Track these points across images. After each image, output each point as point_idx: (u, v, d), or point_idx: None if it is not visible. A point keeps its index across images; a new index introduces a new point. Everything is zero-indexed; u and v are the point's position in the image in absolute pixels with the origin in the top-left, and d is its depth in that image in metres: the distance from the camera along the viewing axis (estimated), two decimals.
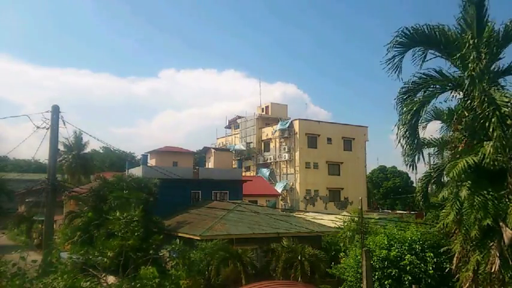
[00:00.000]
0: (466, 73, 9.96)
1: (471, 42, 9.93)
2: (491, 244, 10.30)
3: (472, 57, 9.83)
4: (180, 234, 21.42)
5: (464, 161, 9.95)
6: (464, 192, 10.09)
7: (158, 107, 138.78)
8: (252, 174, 50.08)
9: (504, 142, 9.37)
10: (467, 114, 10.69)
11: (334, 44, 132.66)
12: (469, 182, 10.16)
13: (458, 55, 10.29)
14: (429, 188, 13.26)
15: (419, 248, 16.24)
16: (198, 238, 20.16)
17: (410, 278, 15.49)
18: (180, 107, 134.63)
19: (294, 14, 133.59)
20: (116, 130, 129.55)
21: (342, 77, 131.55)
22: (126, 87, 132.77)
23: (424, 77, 11.19)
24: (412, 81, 11.21)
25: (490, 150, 9.48)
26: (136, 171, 29.87)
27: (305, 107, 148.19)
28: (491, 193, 9.94)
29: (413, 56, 11.22)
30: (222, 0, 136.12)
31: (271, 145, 52.21)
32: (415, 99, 11.10)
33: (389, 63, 11.01)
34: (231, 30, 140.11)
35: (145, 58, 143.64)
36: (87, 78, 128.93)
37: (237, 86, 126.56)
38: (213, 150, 39.34)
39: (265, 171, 50.90)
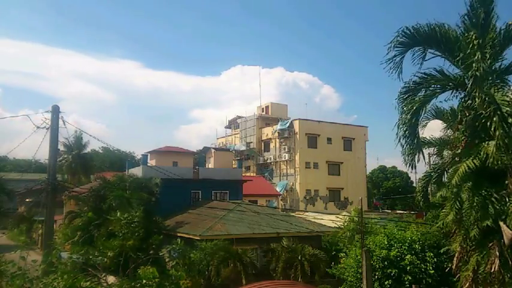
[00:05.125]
0: (470, 73, 9.85)
1: (475, 42, 9.85)
2: (491, 244, 10.29)
3: (476, 57, 9.74)
4: (180, 234, 21.39)
5: (465, 164, 9.93)
6: (467, 194, 10.07)
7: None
8: (252, 174, 50.06)
9: (506, 141, 9.38)
10: (467, 114, 10.68)
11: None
12: (470, 183, 10.15)
13: (461, 55, 10.18)
14: (429, 188, 13.24)
15: (420, 248, 16.23)
16: (198, 238, 20.15)
17: (410, 278, 15.49)
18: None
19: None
20: None
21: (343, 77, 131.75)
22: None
23: (425, 76, 11.14)
24: (413, 81, 11.17)
25: (493, 150, 9.47)
26: (137, 171, 29.86)
27: (305, 106, 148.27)
28: (491, 193, 9.94)
29: (413, 55, 11.17)
30: None
31: (271, 145, 52.20)
32: (416, 99, 11.07)
33: (390, 63, 10.96)
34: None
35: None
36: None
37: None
38: (213, 150, 39.38)
39: (267, 176, 50.86)
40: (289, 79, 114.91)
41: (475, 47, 9.85)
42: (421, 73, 11.17)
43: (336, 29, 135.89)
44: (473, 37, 9.93)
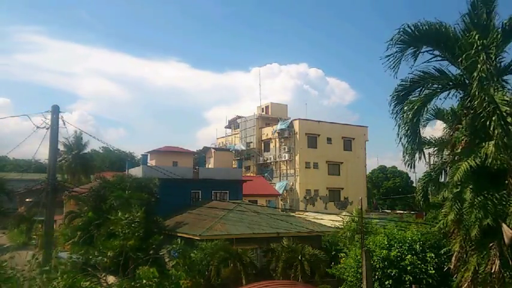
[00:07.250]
0: (475, 73, 9.78)
1: (479, 43, 9.80)
2: (491, 244, 10.28)
3: (481, 58, 9.69)
4: (180, 234, 21.38)
5: (466, 163, 9.92)
6: (468, 194, 10.07)
7: None
8: (252, 175, 50.05)
9: (505, 141, 9.36)
10: (467, 114, 10.67)
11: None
12: (471, 182, 10.15)
13: (463, 55, 10.14)
14: (429, 188, 13.23)
15: (420, 248, 16.22)
16: (198, 238, 20.15)
17: (410, 278, 15.48)
18: None
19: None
20: None
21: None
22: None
23: (422, 74, 11.13)
24: (410, 79, 11.14)
25: (492, 150, 9.46)
26: (137, 171, 29.85)
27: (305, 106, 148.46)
28: (491, 193, 9.93)
29: (414, 53, 11.13)
30: None
31: (271, 145, 52.17)
32: (415, 98, 11.05)
33: (389, 60, 10.92)
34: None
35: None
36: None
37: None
38: (213, 150, 39.37)
39: (267, 176, 50.83)
40: (310, 75, 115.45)
41: (479, 48, 9.78)
42: (419, 71, 11.16)
43: (340, 30, 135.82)
44: (476, 37, 9.87)
